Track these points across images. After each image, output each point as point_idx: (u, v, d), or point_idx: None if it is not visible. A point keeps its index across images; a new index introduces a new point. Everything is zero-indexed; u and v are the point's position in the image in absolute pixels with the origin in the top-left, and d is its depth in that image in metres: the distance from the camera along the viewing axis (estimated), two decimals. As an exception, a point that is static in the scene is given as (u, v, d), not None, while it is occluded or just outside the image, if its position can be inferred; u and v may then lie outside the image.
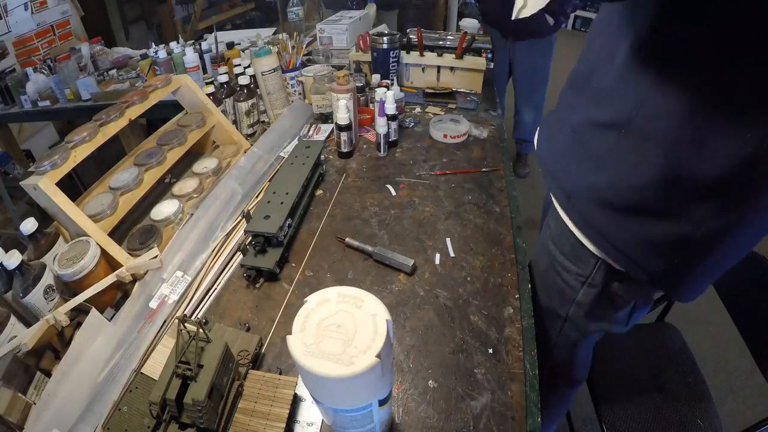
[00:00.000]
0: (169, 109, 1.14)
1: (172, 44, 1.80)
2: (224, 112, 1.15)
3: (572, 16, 4.86)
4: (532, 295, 0.74)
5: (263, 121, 1.30)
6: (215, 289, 0.77)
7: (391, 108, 1.07)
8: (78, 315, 0.68)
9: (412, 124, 1.25)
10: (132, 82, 1.78)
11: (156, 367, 0.61)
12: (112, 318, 0.69)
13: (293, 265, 0.81)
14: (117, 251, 0.75)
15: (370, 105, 1.31)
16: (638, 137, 0.53)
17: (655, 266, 0.59)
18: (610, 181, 0.57)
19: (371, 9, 1.86)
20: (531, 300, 0.71)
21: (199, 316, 0.72)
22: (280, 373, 0.60)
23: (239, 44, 1.85)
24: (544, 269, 0.78)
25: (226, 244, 0.85)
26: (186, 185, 0.97)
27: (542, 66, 2.11)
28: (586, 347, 0.86)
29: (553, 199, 0.72)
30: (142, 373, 0.61)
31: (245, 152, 1.06)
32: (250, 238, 0.79)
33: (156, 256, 0.76)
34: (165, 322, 0.71)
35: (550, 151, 0.71)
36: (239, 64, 1.23)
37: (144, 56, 1.87)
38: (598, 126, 0.58)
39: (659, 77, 0.50)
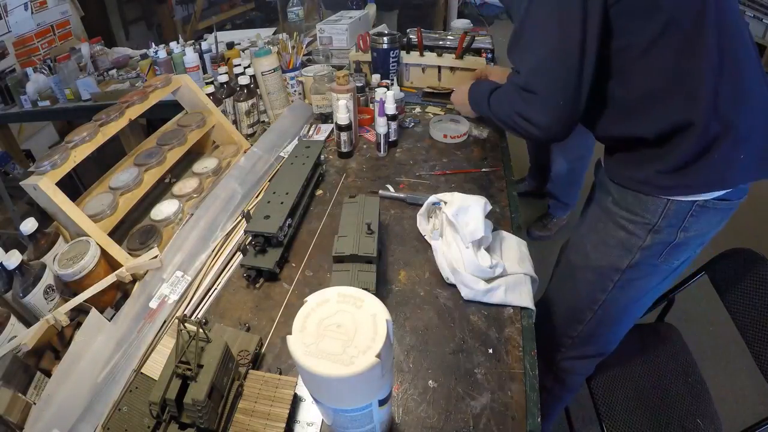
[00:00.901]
0: (169, 109, 1.14)
1: (172, 44, 1.79)
2: (224, 112, 1.15)
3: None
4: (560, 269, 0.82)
5: (263, 121, 1.30)
6: (215, 289, 0.77)
7: (391, 108, 1.07)
8: (78, 315, 0.68)
9: (412, 124, 1.25)
10: (132, 82, 1.78)
11: (156, 367, 0.61)
12: (112, 318, 0.69)
13: (293, 265, 0.81)
14: (117, 251, 0.75)
15: (370, 105, 1.31)
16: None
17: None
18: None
19: (371, 9, 1.86)
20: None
21: (199, 316, 0.72)
22: (280, 373, 0.60)
23: (239, 44, 1.85)
24: (599, 229, 0.83)
25: (226, 244, 0.85)
26: (186, 185, 0.97)
27: None
28: (630, 310, 0.89)
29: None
30: (142, 373, 0.61)
31: (245, 152, 1.06)
32: (250, 238, 0.79)
33: (156, 256, 0.76)
34: (165, 322, 0.71)
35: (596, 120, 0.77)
36: (239, 64, 1.23)
37: (144, 56, 1.87)
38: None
39: None
